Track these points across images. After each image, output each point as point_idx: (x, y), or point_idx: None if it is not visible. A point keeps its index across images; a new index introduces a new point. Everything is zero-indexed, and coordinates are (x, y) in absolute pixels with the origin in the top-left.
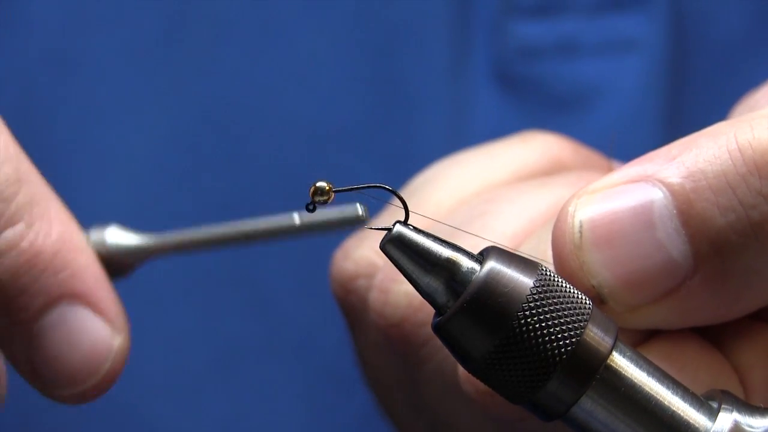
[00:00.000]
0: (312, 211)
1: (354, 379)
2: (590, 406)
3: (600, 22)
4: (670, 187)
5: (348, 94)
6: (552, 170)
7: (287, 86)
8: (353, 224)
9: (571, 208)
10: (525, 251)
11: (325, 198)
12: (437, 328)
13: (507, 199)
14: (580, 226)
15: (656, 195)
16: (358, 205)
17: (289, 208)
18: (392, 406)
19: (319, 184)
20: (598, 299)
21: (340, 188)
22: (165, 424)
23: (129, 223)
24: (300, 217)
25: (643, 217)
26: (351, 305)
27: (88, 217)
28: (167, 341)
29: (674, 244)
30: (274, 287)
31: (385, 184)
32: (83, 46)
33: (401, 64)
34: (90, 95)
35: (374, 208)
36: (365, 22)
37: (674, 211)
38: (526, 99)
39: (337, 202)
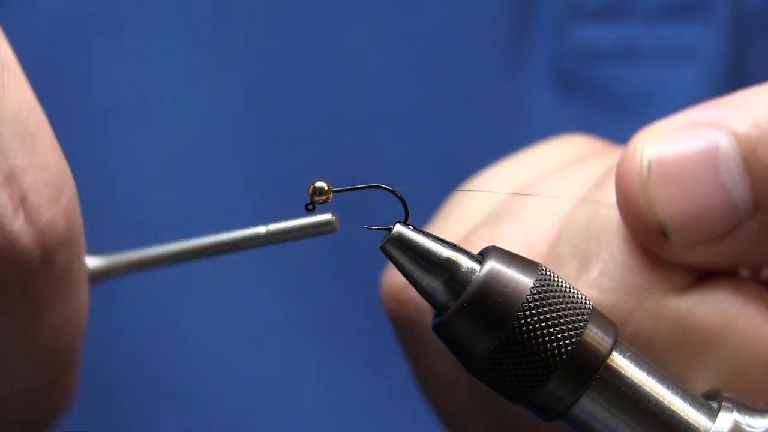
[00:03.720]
0: (311, 210)
1: (381, 354)
2: (590, 406)
3: (661, 29)
4: (735, 135)
5: (399, 85)
6: None
7: (339, 73)
8: (324, 232)
9: (638, 146)
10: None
11: (324, 198)
12: (437, 328)
13: (549, 177)
14: (649, 164)
15: (722, 141)
16: (329, 214)
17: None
18: (452, 412)
19: (318, 183)
20: (661, 235)
21: (339, 188)
22: (197, 394)
23: (168, 201)
24: (267, 227)
25: (709, 160)
26: (406, 316)
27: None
28: (201, 315)
29: (737, 187)
30: (303, 265)
31: (385, 184)
32: (131, 18)
33: (456, 58)
34: (134, 72)
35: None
36: (424, 13)
37: (738, 158)
38: (582, 101)
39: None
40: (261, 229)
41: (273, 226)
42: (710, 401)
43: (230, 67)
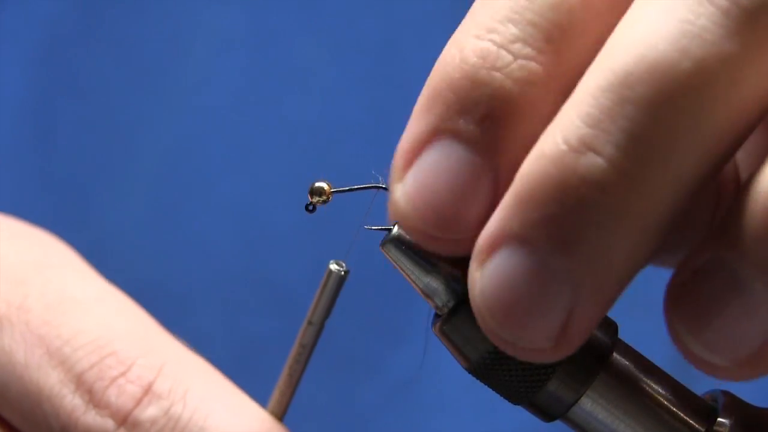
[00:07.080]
0: (311, 211)
1: (367, 368)
2: (590, 406)
3: None
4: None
5: (349, 96)
6: None
7: (288, 90)
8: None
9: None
10: None
11: (324, 198)
12: (437, 328)
13: None
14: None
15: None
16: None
17: (296, 212)
18: None
19: (317, 184)
20: None
21: (338, 189)
22: None
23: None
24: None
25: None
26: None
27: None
28: (192, 340)
29: None
30: (291, 285)
31: (384, 184)
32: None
33: (403, 62)
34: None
35: (375, 207)
36: (366, 21)
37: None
38: None
39: (336, 202)
40: None
41: None
42: (711, 401)
43: (185, 87)
